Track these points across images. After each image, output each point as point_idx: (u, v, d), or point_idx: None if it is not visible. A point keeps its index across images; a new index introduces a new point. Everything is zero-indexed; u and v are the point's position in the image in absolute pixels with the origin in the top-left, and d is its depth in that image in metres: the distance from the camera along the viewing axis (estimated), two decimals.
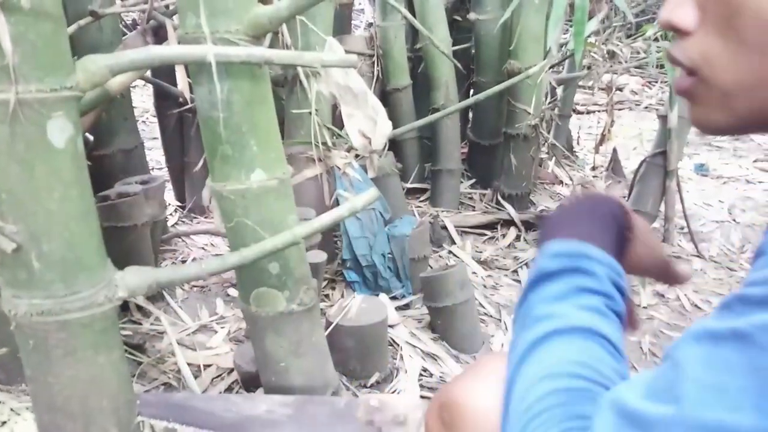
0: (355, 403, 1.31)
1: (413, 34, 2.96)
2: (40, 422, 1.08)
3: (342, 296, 2.12)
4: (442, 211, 2.82)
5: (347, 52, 1.77)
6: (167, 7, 1.80)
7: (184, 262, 2.22)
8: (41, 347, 0.98)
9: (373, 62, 2.80)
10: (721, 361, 0.44)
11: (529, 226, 2.75)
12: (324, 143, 2.03)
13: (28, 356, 1.01)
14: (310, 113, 2.00)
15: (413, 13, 2.66)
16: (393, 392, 1.66)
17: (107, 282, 0.99)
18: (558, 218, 0.75)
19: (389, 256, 2.13)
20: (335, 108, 2.18)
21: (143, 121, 4.08)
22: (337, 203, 2.06)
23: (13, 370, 1.44)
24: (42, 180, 0.89)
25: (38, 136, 0.87)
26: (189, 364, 1.62)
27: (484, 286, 2.31)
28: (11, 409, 1.39)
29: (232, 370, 1.61)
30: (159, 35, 1.79)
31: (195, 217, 2.64)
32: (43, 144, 0.88)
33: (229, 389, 1.57)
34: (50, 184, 0.90)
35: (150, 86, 2.68)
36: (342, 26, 2.89)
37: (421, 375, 1.75)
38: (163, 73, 2.47)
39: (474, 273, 2.38)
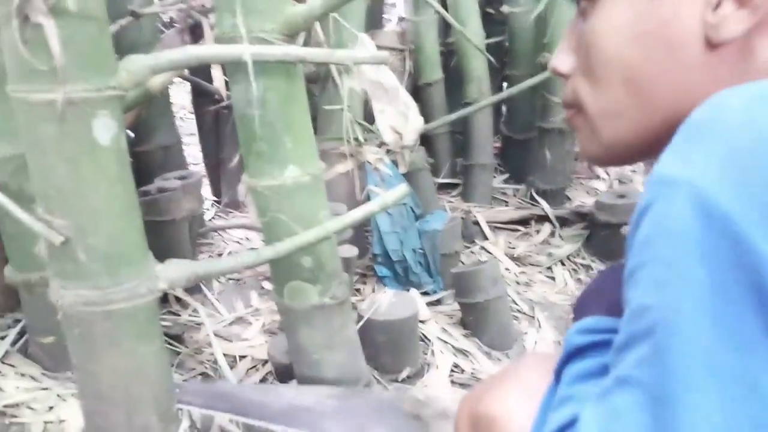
0: (401, 396, 1.33)
1: (445, 28, 2.96)
2: (86, 409, 1.13)
3: (373, 291, 2.15)
4: (474, 207, 2.82)
5: (379, 47, 1.79)
6: (203, 5, 1.84)
7: (220, 255, 2.26)
8: (87, 336, 1.03)
9: (405, 57, 2.81)
10: (611, 410, 0.48)
11: (564, 222, 2.74)
12: (355, 139, 2.06)
13: (75, 345, 1.06)
14: (342, 109, 2.02)
15: (445, 7, 2.66)
16: (424, 387, 1.68)
17: (149, 274, 1.03)
18: (590, 292, 0.75)
19: (420, 251, 2.15)
20: (366, 103, 2.20)
21: (180, 118, 4.14)
22: (368, 198, 2.08)
23: (60, 358, 1.50)
24: (88, 176, 0.93)
25: (84, 134, 0.91)
26: (225, 355, 1.66)
27: (517, 283, 2.32)
28: (57, 395, 1.45)
29: (266, 362, 1.65)
30: (195, 33, 1.84)
31: (230, 212, 2.68)
32: (89, 141, 0.92)
33: (263, 380, 1.61)
34: (96, 180, 0.94)
35: (187, 83, 2.73)
36: (373, 21, 2.91)
37: (452, 371, 1.77)
38: (200, 70, 2.51)
39: (507, 269, 2.38)
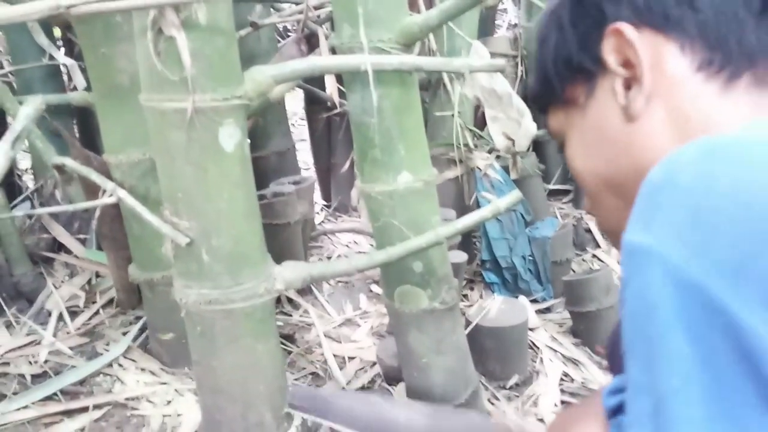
0: (493, 423, 1.31)
1: None
2: (204, 403, 1.18)
3: (481, 297, 2.13)
4: (587, 214, 2.75)
5: (491, 54, 1.78)
6: (318, 16, 1.89)
7: (329, 258, 2.31)
8: (208, 334, 1.07)
9: (517, 63, 2.79)
10: None
11: None
12: (465, 145, 2.05)
13: (196, 342, 1.11)
14: (453, 115, 2.03)
15: None
16: (532, 396, 1.66)
17: (267, 275, 1.06)
18: (619, 332, 0.76)
19: (530, 258, 2.12)
20: (477, 110, 2.20)
21: (292, 124, 4.26)
22: (477, 204, 2.08)
23: (178, 354, 1.57)
24: (213, 181, 0.97)
25: (211, 141, 0.95)
26: (334, 356, 1.70)
27: None
28: (175, 390, 1.51)
29: (374, 364, 1.67)
30: (311, 43, 1.88)
31: (339, 216, 2.73)
32: (215, 148, 0.96)
33: (371, 382, 1.63)
34: (220, 185, 0.98)
35: (300, 91, 2.81)
36: (485, 27, 2.90)
37: (561, 380, 1.74)
38: (313, 79, 2.58)
39: (619, 278, 2.31)
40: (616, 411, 0.65)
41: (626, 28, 0.62)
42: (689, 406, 0.43)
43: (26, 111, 1.04)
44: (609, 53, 0.65)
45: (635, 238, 0.48)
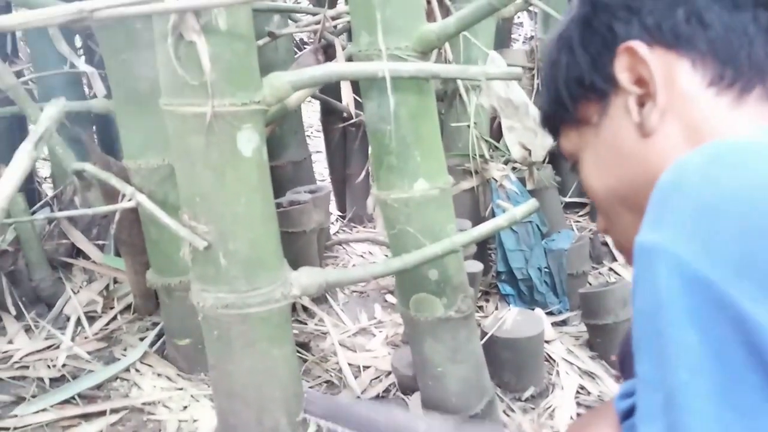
0: None
1: None
2: (219, 407, 1.18)
3: (496, 308, 2.13)
4: (601, 233, 2.73)
5: (508, 65, 1.79)
6: (335, 27, 1.91)
7: (344, 267, 2.31)
8: (224, 338, 1.08)
9: (533, 75, 2.79)
10: None
11: None
12: (481, 156, 2.05)
13: (212, 345, 1.11)
14: (468, 126, 2.03)
15: None
16: (548, 408, 1.65)
17: (283, 280, 1.07)
18: (630, 338, 0.76)
19: (546, 270, 2.11)
20: (492, 121, 2.20)
21: (308, 135, 4.28)
22: (492, 215, 2.07)
23: (194, 360, 1.58)
24: (231, 185, 0.98)
25: (229, 146, 0.96)
26: (349, 365, 1.70)
27: None
28: (191, 396, 1.52)
29: (389, 373, 1.67)
30: (328, 53, 1.90)
31: (354, 226, 2.74)
32: (233, 153, 0.97)
33: (386, 391, 1.63)
34: (238, 189, 0.99)
35: (315, 102, 2.82)
36: (501, 40, 2.90)
37: (578, 392, 1.72)
38: (329, 90, 2.60)
39: None
40: (628, 414, 0.66)
41: (639, 47, 0.63)
42: (700, 399, 0.44)
43: (49, 112, 1.05)
44: (622, 71, 0.66)
45: (646, 237, 0.49)
